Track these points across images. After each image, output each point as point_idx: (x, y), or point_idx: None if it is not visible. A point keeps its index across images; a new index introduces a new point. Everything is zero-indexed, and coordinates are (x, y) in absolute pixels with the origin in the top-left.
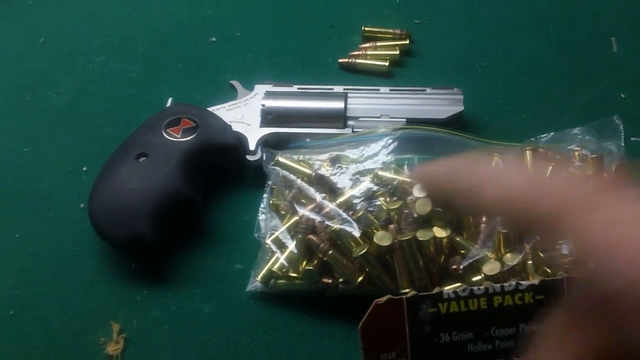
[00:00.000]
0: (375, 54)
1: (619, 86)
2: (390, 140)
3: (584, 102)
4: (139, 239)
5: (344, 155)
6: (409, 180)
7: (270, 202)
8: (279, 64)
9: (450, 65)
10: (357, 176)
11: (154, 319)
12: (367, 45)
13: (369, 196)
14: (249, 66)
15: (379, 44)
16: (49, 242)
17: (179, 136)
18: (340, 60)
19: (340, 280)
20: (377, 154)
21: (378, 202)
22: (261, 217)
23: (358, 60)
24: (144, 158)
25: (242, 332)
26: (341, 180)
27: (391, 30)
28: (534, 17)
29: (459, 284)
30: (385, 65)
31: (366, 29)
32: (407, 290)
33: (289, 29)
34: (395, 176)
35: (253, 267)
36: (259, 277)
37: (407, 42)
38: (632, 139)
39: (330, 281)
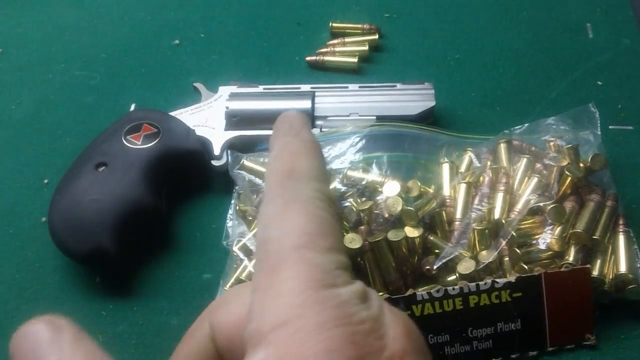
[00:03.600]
0: (344, 50)
1: (595, 73)
2: (357, 139)
3: (560, 91)
4: (101, 252)
5: None
6: (378, 179)
7: (237, 207)
8: (245, 65)
9: (421, 59)
10: None
11: (121, 334)
12: (335, 41)
13: (338, 197)
14: (215, 68)
15: (347, 40)
16: (10, 259)
17: (139, 143)
18: (308, 59)
19: None
20: (345, 153)
21: (347, 204)
22: (229, 223)
23: (326, 58)
24: (104, 167)
25: None
26: None
27: (360, 25)
28: (506, 5)
29: (433, 285)
30: (354, 61)
31: (334, 24)
32: (380, 294)
33: (255, 28)
34: (364, 175)
35: (222, 277)
36: (228, 286)
37: (377, 36)
38: (610, 127)
39: None
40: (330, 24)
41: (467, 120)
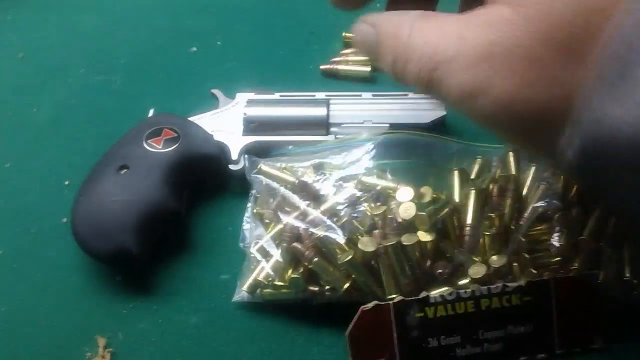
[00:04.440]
0: (357, 59)
1: None
2: (372, 146)
3: None
4: (125, 252)
5: (327, 162)
6: (392, 184)
7: (255, 210)
8: (261, 72)
9: None
10: (341, 182)
11: (141, 332)
12: (348, 51)
13: (353, 202)
14: (231, 75)
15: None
16: (32, 258)
17: (160, 147)
18: (322, 67)
19: (327, 287)
20: (360, 160)
21: (362, 208)
22: (246, 226)
23: (340, 67)
24: (126, 170)
25: (230, 342)
26: (324, 187)
27: None
28: None
29: (445, 288)
30: (367, 70)
31: (347, 35)
32: (393, 296)
33: (270, 36)
34: (378, 181)
35: (239, 277)
36: (245, 286)
37: None
38: None
39: (316, 289)
40: (344, 35)
41: (478, 129)
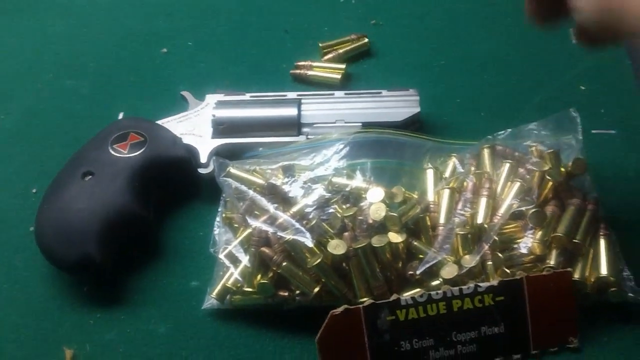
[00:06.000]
0: (326, 66)
1: (578, 78)
2: (342, 146)
3: (544, 96)
4: (87, 261)
5: (296, 163)
6: (363, 185)
7: (224, 215)
8: (233, 73)
9: (407, 65)
10: (309, 184)
11: (109, 342)
12: (327, 57)
13: (322, 204)
14: (203, 76)
15: (341, 51)
16: None
17: (126, 152)
18: (292, 72)
19: (297, 292)
20: (329, 160)
21: (331, 210)
22: (216, 231)
23: (310, 73)
24: (90, 177)
25: (200, 351)
26: (293, 189)
27: (347, 38)
28: (490, 12)
29: (417, 290)
30: (337, 78)
31: (322, 44)
32: (365, 299)
33: (242, 36)
34: (348, 182)
35: (209, 284)
36: (214, 293)
37: (366, 40)
38: (593, 131)
39: (286, 294)
40: (320, 45)
41: (452, 126)
